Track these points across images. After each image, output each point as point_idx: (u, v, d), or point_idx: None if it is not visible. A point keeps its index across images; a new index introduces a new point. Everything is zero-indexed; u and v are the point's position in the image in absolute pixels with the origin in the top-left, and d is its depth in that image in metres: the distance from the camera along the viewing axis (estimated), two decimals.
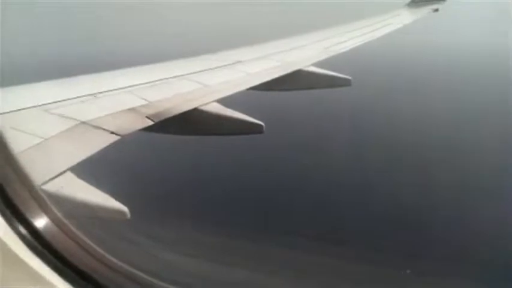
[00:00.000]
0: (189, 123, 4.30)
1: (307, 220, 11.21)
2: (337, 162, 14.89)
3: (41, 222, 1.43)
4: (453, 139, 17.76)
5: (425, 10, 12.84)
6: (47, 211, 1.48)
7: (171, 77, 4.90)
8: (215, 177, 13.71)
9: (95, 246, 1.48)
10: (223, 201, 11.80)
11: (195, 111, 4.23)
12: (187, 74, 5.05)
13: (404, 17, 11.46)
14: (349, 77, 6.25)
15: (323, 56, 6.90)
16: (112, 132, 3.39)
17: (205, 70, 5.35)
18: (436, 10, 13.12)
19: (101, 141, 3.27)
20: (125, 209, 2.66)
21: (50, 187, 2.45)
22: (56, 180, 2.57)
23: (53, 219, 1.47)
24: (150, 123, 3.76)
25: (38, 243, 1.38)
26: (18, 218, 1.40)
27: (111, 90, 4.23)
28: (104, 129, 3.41)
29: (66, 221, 1.50)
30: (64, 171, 2.68)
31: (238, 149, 12.94)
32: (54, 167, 2.74)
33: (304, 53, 7.09)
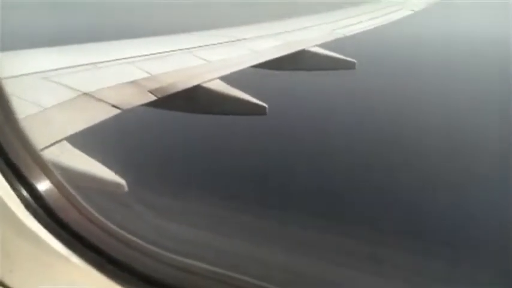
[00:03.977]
0: (191, 100, 4.23)
1: (307, 199, 11.27)
2: (337, 146, 14.90)
3: (42, 185, 1.42)
4: (456, 134, 17.70)
5: None
6: (48, 174, 1.46)
7: (173, 50, 4.80)
8: (216, 154, 13.74)
9: (94, 212, 1.47)
10: (221, 177, 11.86)
11: (198, 88, 4.14)
12: (191, 48, 4.94)
13: (415, 3, 11.21)
14: (354, 60, 6.15)
15: (329, 38, 6.77)
16: (113, 106, 3.33)
17: (209, 45, 5.23)
18: None
19: (102, 114, 3.22)
20: (122, 181, 2.63)
21: (46, 155, 2.41)
22: (52, 148, 2.53)
23: (54, 182, 1.46)
24: (153, 98, 3.69)
25: (38, 205, 1.37)
26: (19, 179, 1.38)
27: (113, 60, 4.14)
28: (106, 102, 3.35)
29: (66, 185, 1.49)
30: (60, 140, 2.64)
31: (239, 129, 12.90)
32: (51, 136, 2.69)
33: (311, 33, 6.95)
